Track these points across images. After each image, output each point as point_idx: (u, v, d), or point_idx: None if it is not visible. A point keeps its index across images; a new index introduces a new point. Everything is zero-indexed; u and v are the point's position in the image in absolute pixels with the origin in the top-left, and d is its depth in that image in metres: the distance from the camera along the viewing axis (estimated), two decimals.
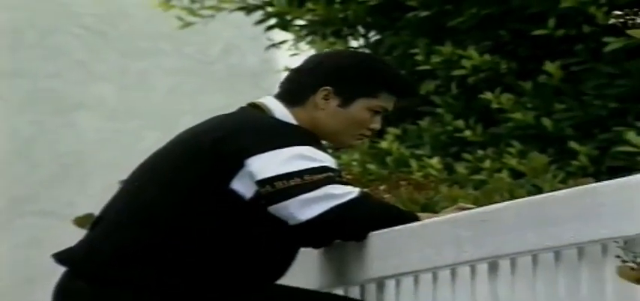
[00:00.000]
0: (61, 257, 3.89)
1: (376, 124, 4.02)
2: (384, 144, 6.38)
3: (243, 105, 4.03)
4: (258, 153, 3.74)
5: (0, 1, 11.87)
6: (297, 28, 7.40)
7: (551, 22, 6.22)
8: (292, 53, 7.67)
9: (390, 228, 3.87)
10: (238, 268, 3.82)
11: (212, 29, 8.14)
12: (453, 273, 3.67)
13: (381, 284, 3.94)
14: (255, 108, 3.96)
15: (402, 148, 6.33)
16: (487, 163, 5.97)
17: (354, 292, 4.08)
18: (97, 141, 11.29)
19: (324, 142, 3.95)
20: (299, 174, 3.72)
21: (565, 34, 6.23)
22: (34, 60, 11.88)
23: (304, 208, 3.72)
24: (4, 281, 10.93)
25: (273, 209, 3.74)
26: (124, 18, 11.97)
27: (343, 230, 3.83)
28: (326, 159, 3.79)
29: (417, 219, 3.90)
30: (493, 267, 3.52)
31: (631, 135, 5.64)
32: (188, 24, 7.54)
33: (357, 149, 6.43)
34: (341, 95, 3.94)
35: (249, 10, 7.52)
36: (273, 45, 7.71)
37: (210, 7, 7.60)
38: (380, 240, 3.85)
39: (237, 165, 3.75)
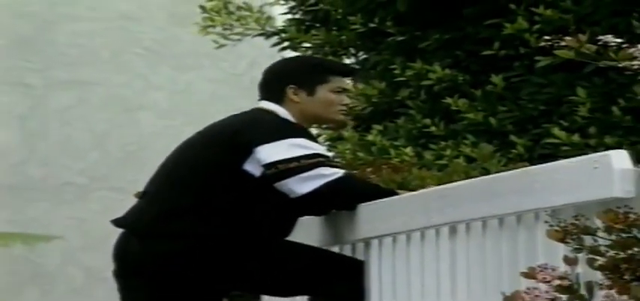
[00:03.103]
0: (117, 222, 3.92)
1: (346, 100, 4.03)
2: (370, 137, 6.36)
3: (253, 107, 4.03)
4: (265, 143, 3.75)
5: (81, 29, 11.85)
6: (304, 49, 7.39)
7: (496, 45, 6.20)
8: None
9: (376, 200, 3.86)
10: (250, 228, 3.81)
11: (240, 50, 8.13)
12: (422, 235, 3.65)
13: (367, 243, 3.92)
14: (262, 110, 3.96)
15: (384, 140, 6.31)
16: (448, 151, 5.95)
17: (347, 249, 4.07)
18: (153, 133, 11.28)
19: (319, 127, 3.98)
20: (297, 159, 3.73)
21: (506, 54, 6.21)
22: (107, 72, 11.87)
23: (301, 184, 3.73)
24: (87, 239, 10.92)
25: (278, 185, 3.75)
26: (174, 41, 11.95)
27: (331, 202, 3.84)
28: (317, 148, 3.82)
29: (393, 193, 3.90)
30: (453, 230, 3.51)
31: (556, 131, 5.63)
32: (222, 45, 7.54)
33: (349, 141, 6.42)
34: (304, 88, 3.96)
35: (267, 35, 7.51)
36: None
37: (239, 33, 7.61)
38: (367, 209, 3.85)
39: (248, 152, 3.76)
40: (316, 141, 3.88)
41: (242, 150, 3.77)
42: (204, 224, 3.76)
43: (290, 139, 3.76)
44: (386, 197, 3.85)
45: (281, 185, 3.75)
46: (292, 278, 3.88)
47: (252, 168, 3.76)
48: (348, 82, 4.08)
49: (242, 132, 3.82)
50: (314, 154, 3.76)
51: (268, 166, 3.73)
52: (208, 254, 3.76)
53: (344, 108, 4.05)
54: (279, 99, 3.96)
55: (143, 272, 3.81)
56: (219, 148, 3.83)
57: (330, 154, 3.91)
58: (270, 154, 3.74)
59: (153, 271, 3.78)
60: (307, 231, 4.07)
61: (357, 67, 7.10)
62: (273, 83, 4.01)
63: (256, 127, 3.84)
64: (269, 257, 3.85)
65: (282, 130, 3.81)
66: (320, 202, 3.81)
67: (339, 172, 3.80)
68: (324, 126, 4.50)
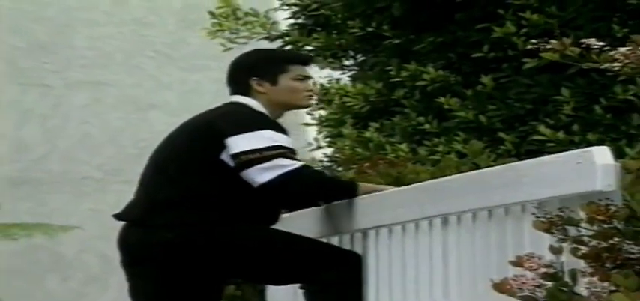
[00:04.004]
0: (118, 216, 3.92)
1: (309, 86, 4.00)
2: (367, 134, 6.36)
3: (227, 101, 4.00)
4: (233, 135, 3.72)
5: (97, 34, 11.85)
6: (306, 51, 7.38)
7: (486, 48, 6.20)
8: None
9: (372, 194, 3.84)
10: (233, 216, 3.78)
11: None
12: (417, 226, 3.64)
13: (365, 233, 3.91)
14: (236, 103, 3.94)
15: (381, 137, 6.31)
16: (440, 147, 5.95)
17: (346, 239, 4.05)
18: (163, 131, 11.25)
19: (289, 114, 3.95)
20: (259, 150, 3.69)
21: (495, 56, 6.21)
22: (120, 74, 11.86)
23: (260, 174, 3.69)
24: (103, 229, 10.89)
25: (242, 175, 3.72)
26: (183, 44, 11.95)
27: (286, 192, 3.75)
28: (281, 140, 3.75)
29: (354, 186, 3.85)
30: (445, 222, 3.50)
31: (542, 128, 5.63)
32: (228, 49, 7.53)
33: (348, 137, 6.41)
34: (266, 78, 3.93)
35: (271, 38, 7.51)
36: None
37: (244, 37, 7.61)
38: (364, 201, 3.83)
39: (222, 144, 3.74)
40: (284, 133, 3.81)
41: (216, 141, 3.75)
42: (191, 213, 3.74)
43: (257, 131, 3.73)
44: (345, 189, 3.83)
45: (244, 174, 3.72)
46: (283, 267, 3.83)
47: (228, 158, 3.75)
48: (307, 69, 4.03)
49: (215, 125, 3.80)
50: (276, 146, 3.72)
51: (234, 156, 3.72)
52: (198, 243, 3.73)
53: (309, 93, 4.00)
54: (246, 92, 3.93)
55: (143, 260, 3.81)
56: (197, 140, 3.82)
57: (294, 146, 3.82)
58: (237, 145, 3.72)
59: (151, 258, 3.78)
60: (307, 222, 4.06)
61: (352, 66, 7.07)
62: (238, 77, 3.99)
63: (228, 119, 3.81)
64: (259, 246, 3.80)
65: (250, 122, 3.77)
66: (276, 192, 3.73)
67: (296, 164, 3.72)
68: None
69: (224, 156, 3.75)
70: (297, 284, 3.91)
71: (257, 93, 3.92)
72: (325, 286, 3.77)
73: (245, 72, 3.97)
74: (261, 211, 3.84)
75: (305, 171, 3.76)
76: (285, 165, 3.70)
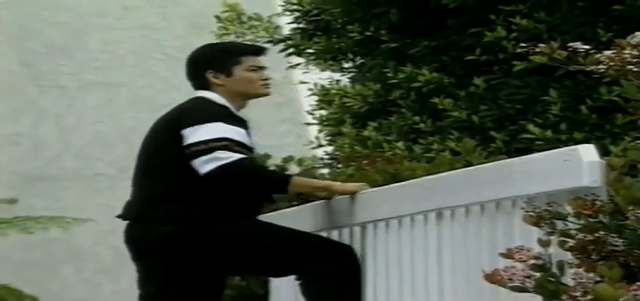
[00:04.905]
0: (121, 215, 3.92)
1: (264, 75, 3.95)
2: (366, 133, 6.36)
3: (192, 96, 3.97)
4: (187, 127, 3.71)
5: (110, 38, 11.85)
6: (307, 54, 7.38)
7: (478, 51, 6.19)
8: (304, 71, 7.66)
9: (369, 189, 3.83)
10: (218, 208, 3.75)
11: None
12: (412, 220, 3.64)
13: (363, 227, 3.91)
14: (199, 98, 3.91)
15: (378, 135, 6.30)
16: (435, 145, 5.95)
17: (345, 233, 4.05)
18: None
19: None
20: (204, 142, 3.67)
21: (487, 59, 6.21)
22: (133, 76, 11.86)
23: (202, 166, 3.68)
24: (116, 223, 10.90)
25: (191, 165, 3.69)
26: (191, 48, 11.93)
27: (227, 181, 3.70)
28: (229, 132, 3.71)
29: (287, 178, 3.81)
30: (439, 216, 3.50)
31: (531, 127, 5.63)
32: None
33: (347, 136, 6.41)
34: (221, 71, 3.90)
35: (275, 42, 7.51)
36: (291, 66, 7.67)
37: (249, 40, 7.60)
38: (363, 196, 3.83)
39: (182, 136, 3.72)
40: (240, 125, 3.78)
41: (179, 135, 3.74)
42: (180, 206, 3.72)
43: (208, 124, 3.70)
44: (277, 181, 3.80)
45: (192, 165, 3.70)
46: (275, 259, 3.81)
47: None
48: (260, 60, 3.98)
49: (177, 119, 3.80)
50: (221, 138, 3.67)
51: (185, 148, 3.70)
52: (187, 237, 3.72)
53: (265, 82, 3.95)
54: (206, 86, 3.90)
55: (146, 255, 3.81)
56: (168, 134, 3.80)
57: (242, 139, 3.78)
58: (188, 137, 3.70)
59: (152, 253, 3.78)
60: (308, 216, 4.06)
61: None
62: (194, 72, 3.95)
63: (186, 114, 3.80)
64: (247, 241, 3.78)
65: (203, 116, 3.74)
66: (217, 182, 3.68)
67: (234, 156, 3.67)
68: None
69: None
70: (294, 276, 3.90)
71: (215, 86, 3.89)
72: (319, 278, 3.74)
73: (200, 66, 3.94)
74: (238, 203, 3.79)
75: (243, 162, 3.69)
76: (223, 157, 3.65)
